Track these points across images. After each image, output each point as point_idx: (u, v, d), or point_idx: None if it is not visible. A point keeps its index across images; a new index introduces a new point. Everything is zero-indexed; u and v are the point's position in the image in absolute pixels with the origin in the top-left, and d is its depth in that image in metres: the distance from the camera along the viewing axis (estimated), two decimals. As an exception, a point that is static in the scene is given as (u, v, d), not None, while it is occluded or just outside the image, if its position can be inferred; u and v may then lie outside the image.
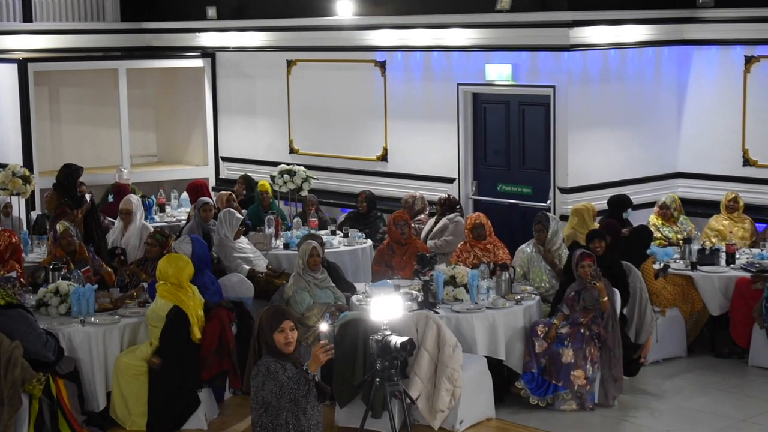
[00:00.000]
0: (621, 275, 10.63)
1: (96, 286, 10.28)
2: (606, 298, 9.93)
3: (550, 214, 11.75)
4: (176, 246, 10.45)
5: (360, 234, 13.24)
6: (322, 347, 6.24)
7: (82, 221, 12.52)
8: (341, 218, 14.39)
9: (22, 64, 16.24)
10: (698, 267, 11.54)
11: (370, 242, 13.17)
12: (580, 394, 9.86)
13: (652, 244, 11.68)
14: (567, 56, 13.04)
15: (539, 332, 9.98)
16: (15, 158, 16.00)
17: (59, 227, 11.18)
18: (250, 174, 15.74)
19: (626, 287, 10.63)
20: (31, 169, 15.24)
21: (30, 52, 16.95)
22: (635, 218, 12.61)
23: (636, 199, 13.13)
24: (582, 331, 9.93)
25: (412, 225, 12.45)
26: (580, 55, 13.12)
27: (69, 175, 13.01)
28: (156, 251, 10.63)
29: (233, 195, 13.87)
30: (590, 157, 13.41)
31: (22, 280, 10.26)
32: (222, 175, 17.46)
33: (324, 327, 6.32)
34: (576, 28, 12.78)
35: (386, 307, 7.05)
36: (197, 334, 9.56)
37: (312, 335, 10.01)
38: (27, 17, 17.35)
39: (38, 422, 9.08)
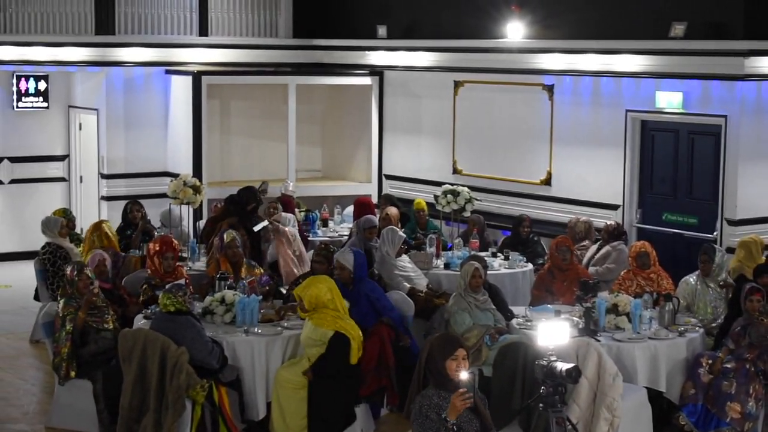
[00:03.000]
0: (789, 312, 10.36)
1: (261, 297, 10.47)
2: (773, 335, 9.71)
3: (717, 246, 11.55)
4: (338, 256, 10.59)
5: (521, 257, 13.19)
6: (460, 395, 6.18)
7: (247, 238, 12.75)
8: (501, 240, 14.35)
9: (197, 77, 16.68)
10: None
11: (530, 266, 13.10)
12: (740, 430, 9.64)
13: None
14: (741, 86, 12.79)
15: (704, 364, 9.80)
16: (185, 168, 16.42)
17: (226, 236, 11.40)
18: (419, 193, 15.87)
19: (795, 324, 10.35)
20: (200, 180, 15.59)
21: (204, 65, 17.37)
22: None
23: (807, 234, 12.80)
24: (747, 366, 9.71)
25: (575, 251, 12.35)
26: (754, 85, 12.85)
27: (247, 197, 13.31)
28: (323, 268, 10.69)
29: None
30: (761, 189, 13.11)
31: (191, 288, 10.50)
32: (384, 193, 17.58)
33: (464, 375, 6.29)
34: (751, 58, 12.50)
35: (553, 332, 7.00)
36: (355, 358, 9.55)
37: (470, 356, 10.00)
38: (203, 31, 17.78)
39: (200, 427, 9.25)
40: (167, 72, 17.35)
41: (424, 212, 14.46)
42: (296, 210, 14.88)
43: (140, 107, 17.30)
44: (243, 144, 17.95)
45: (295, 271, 13.01)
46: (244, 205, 13.28)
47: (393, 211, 13.78)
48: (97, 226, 12.96)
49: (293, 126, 17.24)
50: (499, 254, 13.27)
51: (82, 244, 13.21)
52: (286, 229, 13.39)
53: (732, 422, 9.63)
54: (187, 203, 14.30)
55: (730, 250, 12.42)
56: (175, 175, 15.44)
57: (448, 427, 6.17)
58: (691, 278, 11.17)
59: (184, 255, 12.86)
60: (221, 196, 14.78)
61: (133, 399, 9.25)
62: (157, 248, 11.18)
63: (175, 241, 11.66)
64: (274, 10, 18.45)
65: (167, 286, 9.62)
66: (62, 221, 12.98)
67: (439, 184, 15.31)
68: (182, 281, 10.21)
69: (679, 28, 13.32)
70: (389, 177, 17.62)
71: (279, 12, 18.48)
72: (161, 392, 9.15)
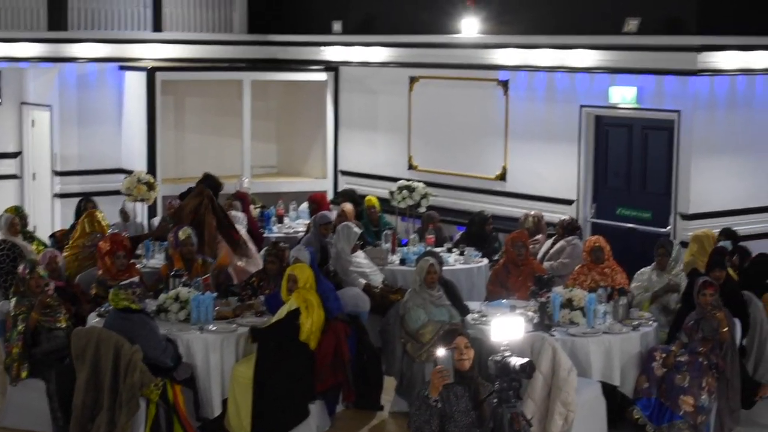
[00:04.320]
0: (742, 305, 10.44)
1: (215, 294, 10.42)
2: (726, 329, 9.75)
3: (673, 240, 11.62)
4: (295, 253, 10.55)
5: (476, 253, 13.20)
6: (438, 372, 6.21)
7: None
8: (457, 236, 14.36)
9: (151, 73, 16.58)
10: (823, 300, 11.27)
11: (485, 261, 13.12)
12: (693, 423, 9.69)
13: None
14: (694, 81, 12.88)
15: (657, 357, 9.84)
16: (140, 165, 16.34)
17: (181, 234, 11.30)
18: (374, 189, 15.86)
19: (747, 318, 10.43)
20: (154, 176, 15.49)
21: (158, 61, 17.27)
22: (757, 247, 12.36)
23: (760, 228, 12.91)
24: (700, 360, 9.77)
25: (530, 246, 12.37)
26: (707, 80, 12.93)
27: (215, 183, 13.21)
28: (276, 267, 10.68)
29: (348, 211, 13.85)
30: (713, 183, 13.21)
31: (146, 285, 10.43)
32: (340, 189, 17.55)
33: (441, 352, 6.32)
34: (704, 53, 12.59)
35: (507, 328, 6.99)
36: (305, 335, 9.60)
37: (425, 353, 10.02)
38: (157, 27, 17.69)
39: (154, 426, 9.20)
40: (121, 68, 17.23)
41: (375, 209, 14.45)
42: (251, 206, 14.82)
43: (94, 103, 17.18)
44: (198, 140, 17.87)
45: (240, 264, 12.88)
46: (215, 190, 13.21)
47: (348, 207, 13.76)
48: (90, 214, 12.89)
49: (248, 122, 17.20)
50: (454, 250, 13.28)
51: (55, 239, 13.13)
52: None
53: (685, 415, 9.67)
54: (141, 200, 14.23)
55: (684, 244, 12.50)
56: (129, 172, 15.35)
57: (430, 404, 6.22)
58: (647, 271, 11.25)
59: (139, 252, 12.77)
60: (175, 193, 14.69)
61: (87, 398, 9.18)
62: (108, 247, 11.09)
63: (126, 239, 11.59)
64: (229, 6, 18.38)
65: (120, 284, 9.55)
66: (13, 218, 12.87)
67: (394, 179, 15.32)
68: (135, 279, 10.13)
69: (632, 24, 13.38)
70: (345, 173, 17.60)
71: (234, 7, 18.41)
72: (115, 391, 9.09)
